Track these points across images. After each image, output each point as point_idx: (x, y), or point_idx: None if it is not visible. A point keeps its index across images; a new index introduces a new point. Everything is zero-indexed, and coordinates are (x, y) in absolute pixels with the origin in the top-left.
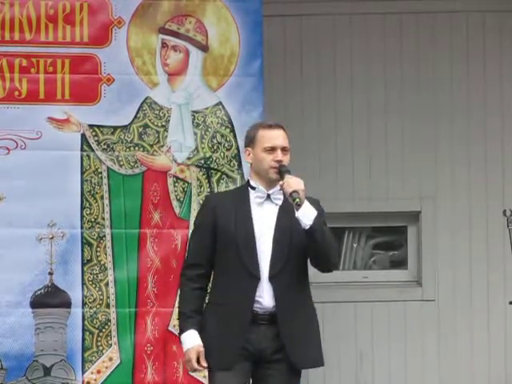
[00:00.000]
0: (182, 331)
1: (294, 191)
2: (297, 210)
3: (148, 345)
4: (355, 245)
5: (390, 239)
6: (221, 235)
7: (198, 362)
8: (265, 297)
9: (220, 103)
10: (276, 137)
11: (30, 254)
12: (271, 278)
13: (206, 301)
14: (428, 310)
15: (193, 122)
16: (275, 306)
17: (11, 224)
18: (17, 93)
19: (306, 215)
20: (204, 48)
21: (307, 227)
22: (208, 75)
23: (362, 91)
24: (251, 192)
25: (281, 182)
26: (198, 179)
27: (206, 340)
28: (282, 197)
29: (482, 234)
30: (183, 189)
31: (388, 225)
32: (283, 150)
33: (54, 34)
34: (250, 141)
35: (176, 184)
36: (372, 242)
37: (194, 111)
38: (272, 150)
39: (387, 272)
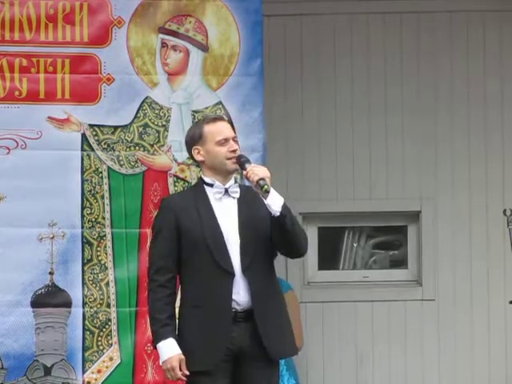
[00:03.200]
0: (158, 339)
1: (261, 178)
2: (265, 198)
3: (148, 344)
4: (355, 244)
5: (390, 239)
6: (187, 237)
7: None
8: (241, 293)
9: (220, 103)
10: (225, 128)
11: (30, 254)
12: (244, 272)
13: (177, 305)
14: (428, 309)
15: (193, 122)
16: (251, 302)
17: (11, 224)
18: (17, 92)
19: (275, 202)
20: (204, 48)
21: (277, 214)
22: (208, 75)
23: (362, 91)
24: (208, 189)
25: (245, 172)
26: (198, 179)
27: (185, 345)
28: (238, 190)
29: (482, 233)
30: (183, 188)
31: (388, 224)
32: (234, 139)
33: (54, 33)
34: (198, 139)
35: (176, 184)
36: (372, 241)
37: (194, 111)
38: (225, 141)
39: (387, 272)
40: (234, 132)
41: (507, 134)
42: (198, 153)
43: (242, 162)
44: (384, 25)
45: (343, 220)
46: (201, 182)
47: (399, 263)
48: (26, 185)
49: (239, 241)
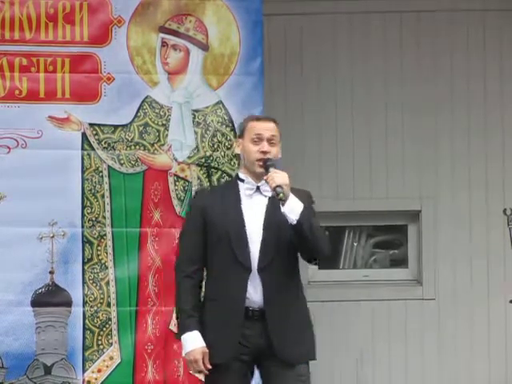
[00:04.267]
0: (183, 331)
1: (278, 186)
2: (282, 205)
3: (149, 344)
4: (355, 244)
5: (390, 238)
6: (212, 230)
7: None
8: (258, 292)
9: (220, 102)
10: (264, 128)
11: (30, 253)
12: (261, 270)
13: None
14: (428, 308)
15: (193, 121)
16: (263, 301)
17: (12, 223)
18: (17, 92)
19: (293, 210)
20: (204, 47)
21: (294, 222)
22: (208, 74)
23: (362, 90)
24: (241, 185)
25: (265, 177)
26: (198, 178)
27: (205, 338)
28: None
29: (482, 232)
30: (184, 188)
31: (388, 223)
32: (270, 141)
33: (54, 33)
34: (241, 133)
35: (176, 183)
36: (372, 240)
37: (194, 110)
38: (258, 140)
39: (387, 271)
40: (278, 137)
41: (507, 133)
42: (238, 146)
43: (266, 166)
44: (384, 24)
45: (343, 219)
46: (236, 176)
47: (399, 262)
48: (27, 184)
49: (261, 239)
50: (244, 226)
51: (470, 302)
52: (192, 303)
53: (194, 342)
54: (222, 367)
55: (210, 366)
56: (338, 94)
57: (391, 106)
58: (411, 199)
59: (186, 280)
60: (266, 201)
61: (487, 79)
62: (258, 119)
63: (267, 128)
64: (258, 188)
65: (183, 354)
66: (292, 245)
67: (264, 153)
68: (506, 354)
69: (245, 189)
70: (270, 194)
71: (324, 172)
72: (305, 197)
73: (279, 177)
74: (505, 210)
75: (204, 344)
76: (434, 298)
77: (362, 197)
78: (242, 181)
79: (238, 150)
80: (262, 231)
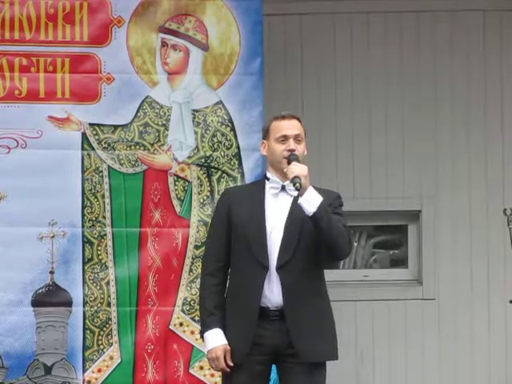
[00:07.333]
0: (205, 329)
1: (296, 177)
2: (300, 196)
3: (149, 344)
4: (356, 244)
5: (390, 238)
6: (234, 227)
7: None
8: (275, 291)
9: (220, 102)
10: (288, 126)
11: (31, 253)
12: (279, 269)
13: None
14: (428, 308)
15: (193, 121)
16: (282, 301)
17: (12, 223)
18: (17, 92)
19: (310, 202)
20: (204, 47)
21: (310, 214)
22: (208, 74)
23: (363, 90)
24: (267, 183)
25: (285, 170)
26: (198, 178)
27: (226, 336)
28: None
29: (482, 232)
30: (184, 188)
31: (388, 223)
32: (296, 139)
33: (54, 33)
34: (265, 133)
35: (176, 183)
36: (372, 240)
37: (194, 110)
38: (284, 139)
39: (388, 271)
40: (303, 134)
41: (507, 133)
42: (264, 147)
43: (289, 160)
44: (384, 24)
45: None
46: (264, 175)
47: (399, 262)
48: (27, 184)
49: (281, 238)
50: (264, 225)
51: (469, 302)
52: (214, 301)
53: (215, 340)
54: (237, 366)
55: (231, 364)
56: (337, 94)
57: (391, 106)
58: (411, 199)
59: (208, 278)
60: (290, 200)
61: (487, 79)
62: (282, 118)
63: (292, 126)
64: (283, 187)
65: (205, 352)
66: (314, 242)
67: (291, 151)
68: (506, 353)
69: (270, 188)
70: (295, 193)
71: (324, 172)
72: (331, 197)
73: (297, 168)
74: (505, 210)
75: (226, 342)
76: (434, 298)
77: (362, 197)
78: (269, 179)
79: (264, 152)
80: (283, 230)
